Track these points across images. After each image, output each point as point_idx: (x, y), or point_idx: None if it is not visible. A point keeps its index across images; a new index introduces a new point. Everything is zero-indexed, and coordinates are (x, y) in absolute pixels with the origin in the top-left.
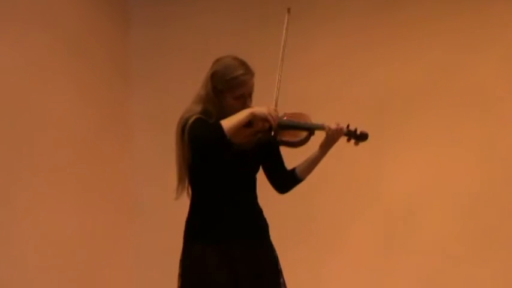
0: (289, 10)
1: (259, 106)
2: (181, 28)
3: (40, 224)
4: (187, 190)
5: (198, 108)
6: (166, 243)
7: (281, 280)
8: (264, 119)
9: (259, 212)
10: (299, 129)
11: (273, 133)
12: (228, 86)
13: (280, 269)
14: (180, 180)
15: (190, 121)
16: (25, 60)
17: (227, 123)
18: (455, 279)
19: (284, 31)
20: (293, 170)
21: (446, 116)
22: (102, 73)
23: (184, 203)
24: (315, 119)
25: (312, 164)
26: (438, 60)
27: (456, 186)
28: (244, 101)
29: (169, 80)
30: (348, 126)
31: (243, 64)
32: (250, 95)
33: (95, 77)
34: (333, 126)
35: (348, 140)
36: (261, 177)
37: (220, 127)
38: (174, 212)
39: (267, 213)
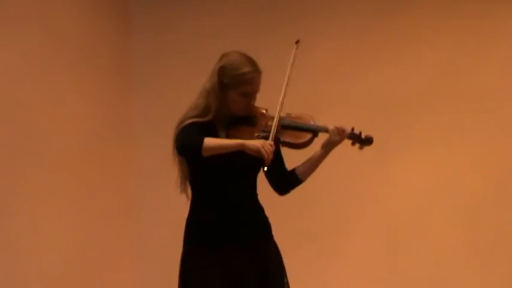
0: (297, 42)
1: (254, 140)
2: (182, 32)
3: (42, 226)
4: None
5: (202, 102)
6: (169, 246)
7: (285, 280)
8: (256, 153)
9: (260, 211)
10: (302, 130)
11: (266, 168)
12: (235, 81)
13: (285, 269)
14: (181, 177)
15: (180, 128)
16: (28, 65)
17: (210, 142)
18: (459, 284)
19: (290, 65)
20: (293, 171)
21: (449, 120)
22: (105, 77)
23: (187, 205)
24: (318, 122)
25: (313, 165)
26: (442, 64)
27: (459, 190)
28: (249, 99)
29: (171, 83)
30: (352, 129)
31: (252, 61)
32: (255, 93)
33: (97, 81)
34: (337, 128)
35: (353, 143)
36: (263, 181)
37: (200, 142)
38: (177, 214)
39: (269, 217)
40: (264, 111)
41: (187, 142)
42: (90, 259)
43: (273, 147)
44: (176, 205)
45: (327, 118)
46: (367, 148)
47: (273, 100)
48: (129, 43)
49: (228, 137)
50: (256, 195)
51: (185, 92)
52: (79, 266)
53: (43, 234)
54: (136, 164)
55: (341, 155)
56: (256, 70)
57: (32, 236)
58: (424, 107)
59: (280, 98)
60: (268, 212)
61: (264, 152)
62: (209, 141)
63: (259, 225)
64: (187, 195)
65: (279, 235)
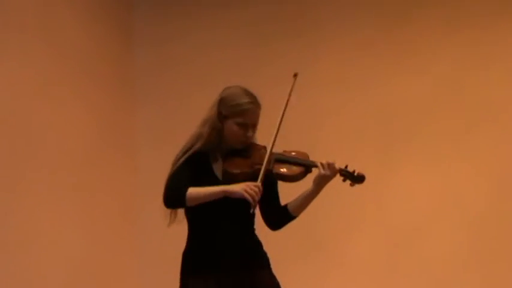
0: (295, 75)
1: (236, 185)
2: (185, 44)
3: (43, 233)
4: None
5: (204, 131)
6: (169, 256)
7: None
8: (240, 196)
9: (256, 245)
10: (295, 164)
11: (252, 211)
12: (231, 111)
13: None
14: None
15: (175, 166)
16: (30, 76)
17: (192, 193)
18: None
19: (288, 95)
20: (285, 206)
21: (452, 131)
22: (107, 88)
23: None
24: (320, 135)
25: (305, 201)
26: (445, 75)
27: (461, 199)
28: (246, 130)
29: (173, 95)
30: (346, 166)
31: (251, 94)
32: (254, 125)
33: (99, 92)
34: (327, 163)
35: (344, 180)
36: None
37: (183, 193)
38: (177, 225)
39: (266, 229)
40: (262, 147)
41: (170, 194)
42: (90, 266)
43: (260, 188)
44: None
45: (329, 130)
46: (368, 158)
47: (275, 112)
48: (132, 54)
49: (223, 167)
50: (253, 230)
51: (186, 103)
52: (80, 271)
53: (43, 240)
54: (137, 173)
55: (343, 164)
56: (253, 103)
57: (33, 241)
58: (427, 117)
59: (274, 133)
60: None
61: (247, 196)
62: (192, 193)
63: (255, 257)
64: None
65: (279, 246)
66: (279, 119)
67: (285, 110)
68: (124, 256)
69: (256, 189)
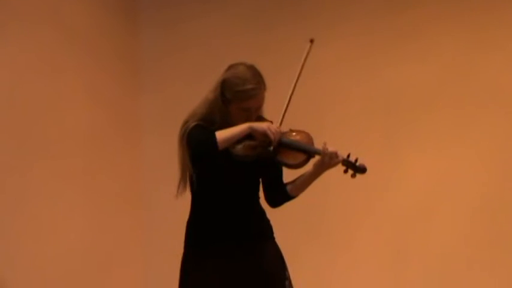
0: (312, 41)
1: (261, 122)
2: (190, 29)
3: (49, 225)
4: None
5: (203, 111)
6: (176, 244)
7: (286, 283)
8: (263, 134)
9: (260, 214)
10: (298, 150)
11: (272, 148)
12: (236, 97)
13: (287, 273)
14: (182, 179)
15: (189, 128)
16: (36, 61)
17: (221, 135)
18: (466, 282)
19: (303, 60)
20: (285, 185)
21: (457, 117)
22: (112, 74)
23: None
24: (325, 121)
25: (304, 183)
26: (449, 60)
27: (466, 186)
28: (250, 113)
29: (179, 81)
30: (348, 155)
31: (256, 76)
32: (258, 108)
33: (104, 78)
34: (330, 152)
35: (345, 171)
36: None
37: (213, 137)
38: (184, 211)
39: (274, 214)
40: (269, 122)
41: (200, 141)
42: (97, 257)
43: (280, 129)
44: (183, 202)
45: (332, 117)
46: (372, 145)
47: (281, 97)
48: (137, 40)
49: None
50: (258, 199)
51: (193, 90)
52: (86, 261)
53: (50, 231)
54: (143, 160)
55: (348, 151)
56: (258, 87)
57: (39, 232)
58: (431, 104)
59: (290, 92)
60: (275, 210)
61: (269, 133)
62: (220, 134)
63: (258, 228)
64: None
65: (285, 231)
66: (292, 85)
67: (299, 75)
68: (130, 243)
69: (278, 131)
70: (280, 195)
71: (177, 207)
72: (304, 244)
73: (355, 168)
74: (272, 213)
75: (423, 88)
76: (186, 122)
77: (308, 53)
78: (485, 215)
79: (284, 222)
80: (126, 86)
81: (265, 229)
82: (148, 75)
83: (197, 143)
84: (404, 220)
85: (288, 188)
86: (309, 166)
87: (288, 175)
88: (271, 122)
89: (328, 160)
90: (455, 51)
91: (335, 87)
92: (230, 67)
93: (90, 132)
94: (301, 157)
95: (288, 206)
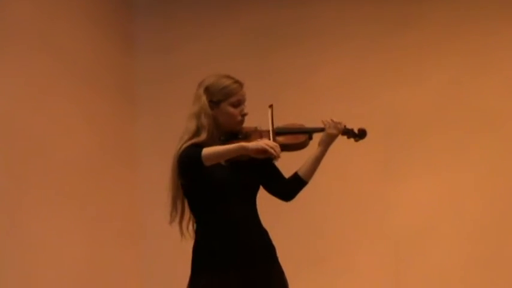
0: (271, 106)
1: (255, 141)
2: (186, 53)
3: (43, 252)
4: (191, 222)
5: (192, 125)
6: (173, 270)
7: None
8: (262, 151)
9: (264, 235)
10: (297, 133)
11: (275, 161)
12: (225, 94)
13: None
14: (173, 204)
15: (181, 151)
16: (30, 85)
17: (209, 150)
18: None
19: (270, 126)
20: (295, 174)
21: (454, 140)
22: (108, 99)
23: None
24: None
25: (314, 164)
26: (445, 83)
27: (464, 208)
28: (242, 107)
29: (175, 105)
30: (345, 126)
31: (230, 76)
32: (244, 102)
33: (100, 101)
34: (333, 121)
35: (348, 137)
36: (266, 204)
37: (199, 152)
38: (180, 237)
39: (273, 238)
40: (254, 127)
41: (186, 158)
42: (93, 273)
43: (276, 142)
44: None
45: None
46: (370, 166)
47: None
48: (133, 63)
49: None
50: (259, 219)
51: (187, 112)
52: (83, 278)
53: (44, 258)
54: (139, 183)
55: (345, 175)
56: (237, 82)
57: (33, 260)
58: (428, 127)
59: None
60: (274, 234)
61: (269, 148)
62: (208, 149)
63: (263, 250)
64: (181, 232)
65: (285, 256)
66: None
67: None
68: (126, 264)
69: (274, 144)
70: (293, 184)
71: (174, 230)
72: (304, 268)
73: (356, 134)
74: (271, 237)
75: (421, 111)
76: (179, 146)
77: (272, 117)
78: (482, 238)
79: (282, 249)
80: (122, 112)
81: (271, 251)
82: (144, 100)
83: (183, 158)
84: (402, 244)
85: (300, 174)
86: (309, 150)
87: (289, 171)
88: (256, 127)
89: (332, 129)
90: (452, 75)
91: (329, 109)
92: (202, 81)
93: (85, 155)
94: (302, 136)
95: (287, 229)
